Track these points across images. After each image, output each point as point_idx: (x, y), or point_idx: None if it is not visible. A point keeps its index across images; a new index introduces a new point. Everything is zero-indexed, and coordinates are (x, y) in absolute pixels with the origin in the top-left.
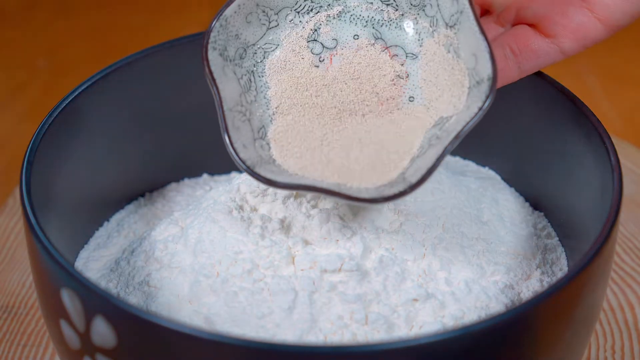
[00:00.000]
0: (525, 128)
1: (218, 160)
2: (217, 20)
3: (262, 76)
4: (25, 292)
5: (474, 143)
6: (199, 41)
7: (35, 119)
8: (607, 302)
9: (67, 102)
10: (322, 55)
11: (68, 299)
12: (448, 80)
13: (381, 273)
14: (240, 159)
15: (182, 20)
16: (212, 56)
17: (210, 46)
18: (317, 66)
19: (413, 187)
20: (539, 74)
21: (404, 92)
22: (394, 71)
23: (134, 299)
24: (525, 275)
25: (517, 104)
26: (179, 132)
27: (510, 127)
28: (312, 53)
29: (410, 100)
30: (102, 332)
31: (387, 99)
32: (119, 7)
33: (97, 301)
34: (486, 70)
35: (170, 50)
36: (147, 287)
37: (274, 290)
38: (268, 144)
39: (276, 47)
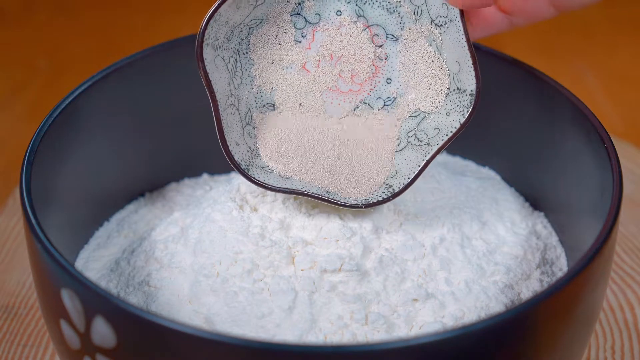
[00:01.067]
0: (525, 128)
1: (218, 160)
2: (212, 19)
3: (247, 52)
4: (25, 292)
5: (474, 143)
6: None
7: (35, 119)
8: (607, 302)
9: (67, 102)
10: (305, 31)
11: (68, 299)
12: (426, 71)
13: (381, 273)
14: (235, 162)
15: (182, 20)
16: (206, 53)
17: (204, 43)
18: (300, 41)
19: (395, 195)
20: (538, 74)
21: (382, 74)
22: (373, 52)
23: (134, 299)
24: (525, 275)
25: (517, 104)
26: (179, 132)
27: (510, 127)
28: (295, 28)
29: (387, 82)
30: (102, 332)
31: (365, 80)
32: (119, 7)
33: (97, 301)
34: (470, 85)
35: (170, 50)
36: (147, 287)
37: (274, 290)
38: (254, 127)
39: (260, 22)
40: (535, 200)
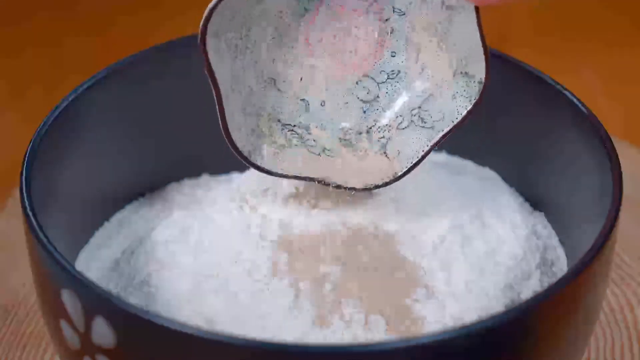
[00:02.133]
0: (525, 128)
1: (218, 160)
2: (215, 11)
3: (250, 29)
4: (26, 292)
5: (474, 143)
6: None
7: (35, 119)
8: (607, 302)
9: (67, 102)
10: (309, 5)
11: (68, 299)
12: (432, 49)
13: (381, 273)
14: (238, 149)
15: (183, 20)
16: (210, 43)
17: (207, 34)
18: (303, 15)
19: (398, 178)
20: (538, 74)
21: (386, 47)
22: (379, 26)
23: (134, 299)
24: (525, 275)
25: (517, 104)
26: (179, 132)
27: (510, 127)
28: (299, 2)
29: (392, 56)
30: (102, 332)
31: (370, 54)
32: (119, 7)
33: (97, 301)
34: (479, 72)
35: (170, 51)
36: (147, 287)
37: (274, 291)
38: (254, 105)
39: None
40: (535, 200)
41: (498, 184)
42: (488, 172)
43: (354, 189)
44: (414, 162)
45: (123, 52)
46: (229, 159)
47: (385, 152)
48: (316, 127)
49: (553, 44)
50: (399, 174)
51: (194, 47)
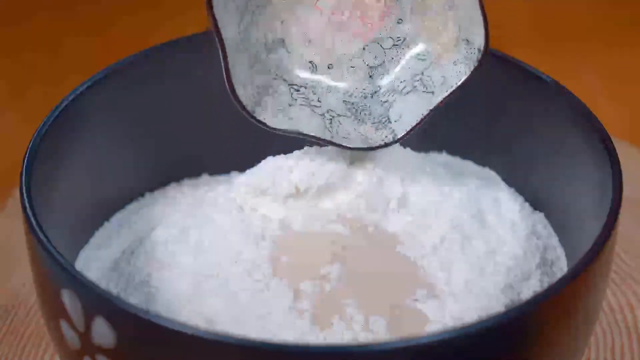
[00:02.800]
0: (525, 128)
1: (218, 160)
2: None
3: None
4: (26, 292)
5: (474, 143)
6: (200, 42)
7: (35, 120)
8: (607, 302)
9: (67, 102)
10: None
11: (68, 299)
12: (438, 16)
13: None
14: (242, 103)
15: (184, 20)
16: (219, 2)
17: None
18: None
19: (397, 140)
20: (538, 74)
21: (393, 14)
22: None
23: (134, 299)
24: (525, 275)
25: (517, 104)
26: (179, 132)
27: (510, 127)
28: None
29: (398, 23)
30: (102, 332)
31: (376, 21)
32: (119, 7)
33: (97, 302)
34: (479, 40)
35: (170, 51)
36: (147, 287)
37: (274, 290)
38: (262, 65)
39: None
40: (535, 200)
41: (498, 184)
42: (488, 172)
43: (351, 149)
44: (413, 125)
45: (123, 52)
46: (229, 159)
47: (388, 116)
48: (322, 88)
49: (553, 44)
50: (398, 137)
51: (194, 47)
